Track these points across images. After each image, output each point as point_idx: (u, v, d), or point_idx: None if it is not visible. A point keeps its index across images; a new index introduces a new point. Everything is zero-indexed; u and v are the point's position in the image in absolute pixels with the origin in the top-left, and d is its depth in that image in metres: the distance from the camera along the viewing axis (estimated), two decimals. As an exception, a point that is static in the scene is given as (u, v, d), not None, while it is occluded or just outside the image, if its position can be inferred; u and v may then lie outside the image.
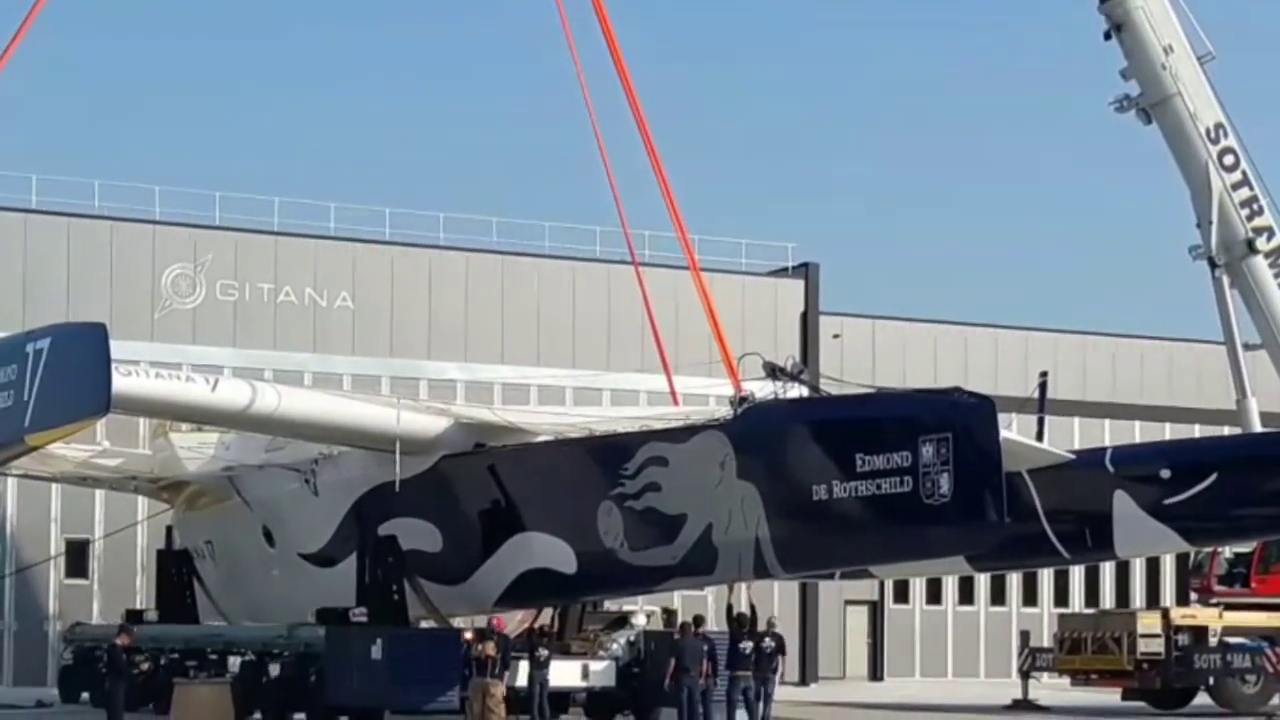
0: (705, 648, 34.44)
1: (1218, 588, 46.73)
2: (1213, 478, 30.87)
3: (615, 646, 37.25)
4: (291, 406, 34.06)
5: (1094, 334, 66.41)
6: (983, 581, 62.36)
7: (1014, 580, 63.05)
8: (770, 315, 58.57)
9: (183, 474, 42.77)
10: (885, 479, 27.82)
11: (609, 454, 32.64)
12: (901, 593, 61.89)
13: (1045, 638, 53.15)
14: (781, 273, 60.63)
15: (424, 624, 36.61)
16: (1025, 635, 50.48)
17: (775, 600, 53.56)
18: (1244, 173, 44.11)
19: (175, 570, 44.51)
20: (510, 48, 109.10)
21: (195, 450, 41.73)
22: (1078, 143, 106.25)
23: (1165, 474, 31.26)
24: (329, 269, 54.64)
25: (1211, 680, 44.09)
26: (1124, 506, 31.49)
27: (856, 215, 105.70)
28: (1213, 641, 43.78)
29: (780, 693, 36.09)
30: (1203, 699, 44.98)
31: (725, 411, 31.30)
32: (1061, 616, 50.04)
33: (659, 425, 33.27)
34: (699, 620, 35.70)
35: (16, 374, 29.10)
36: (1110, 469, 31.94)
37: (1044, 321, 65.75)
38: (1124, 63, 44.08)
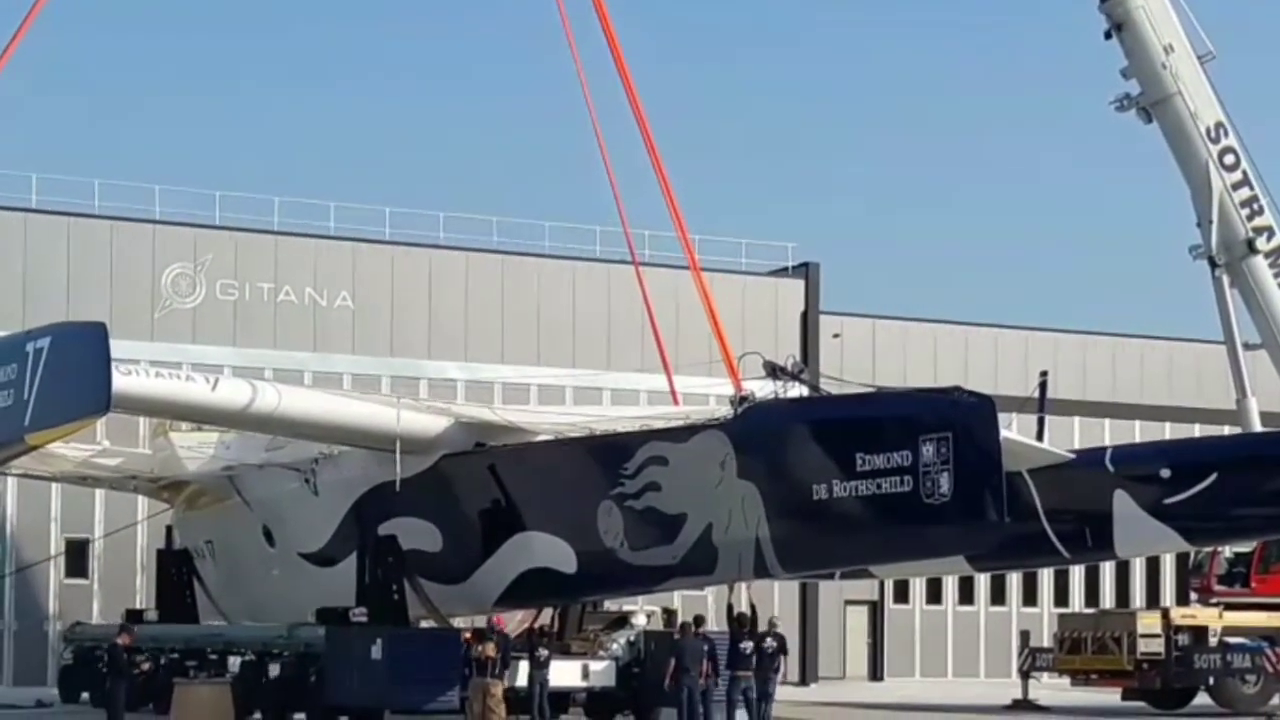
0: (705, 648, 34.43)
1: (1218, 587, 46.73)
2: (1213, 477, 30.85)
3: (615, 646, 37.24)
4: (291, 406, 34.05)
5: (1094, 334, 66.41)
6: (983, 581, 62.36)
7: (1014, 580, 63.05)
8: (770, 315, 58.58)
9: (183, 473, 42.77)
10: (885, 478, 27.82)
11: (609, 453, 32.63)
12: (901, 593, 61.89)
13: (1045, 638, 53.14)
14: (782, 272, 60.64)
15: (424, 624, 36.60)
16: (1025, 635, 50.47)
17: (775, 600, 53.58)
18: (1244, 172, 44.11)
19: (175, 570, 44.51)
20: (510, 48, 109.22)
21: (195, 450, 41.73)
22: (1078, 143, 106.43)
23: (1165, 474, 31.24)
24: (329, 268, 54.64)
25: (1211, 680, 44.09)
26: (1124, 506, 31.47)
27: (856, 215, 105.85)
28: (1213, 641, 43.78)
29: (780, 692, 36.06)
30: (1203, 699, 44.98)
31: (725, 411, 31.28)
32: (1061, 616, 50.03)
33: (659, 425, 33.26)
34: (699, 620, 35.69)
35: (16, 373, 29.11)
36: (1110, 469, 31.92)
37: (1044, 321, 65.87)
38: (1124, 62, 44.08)
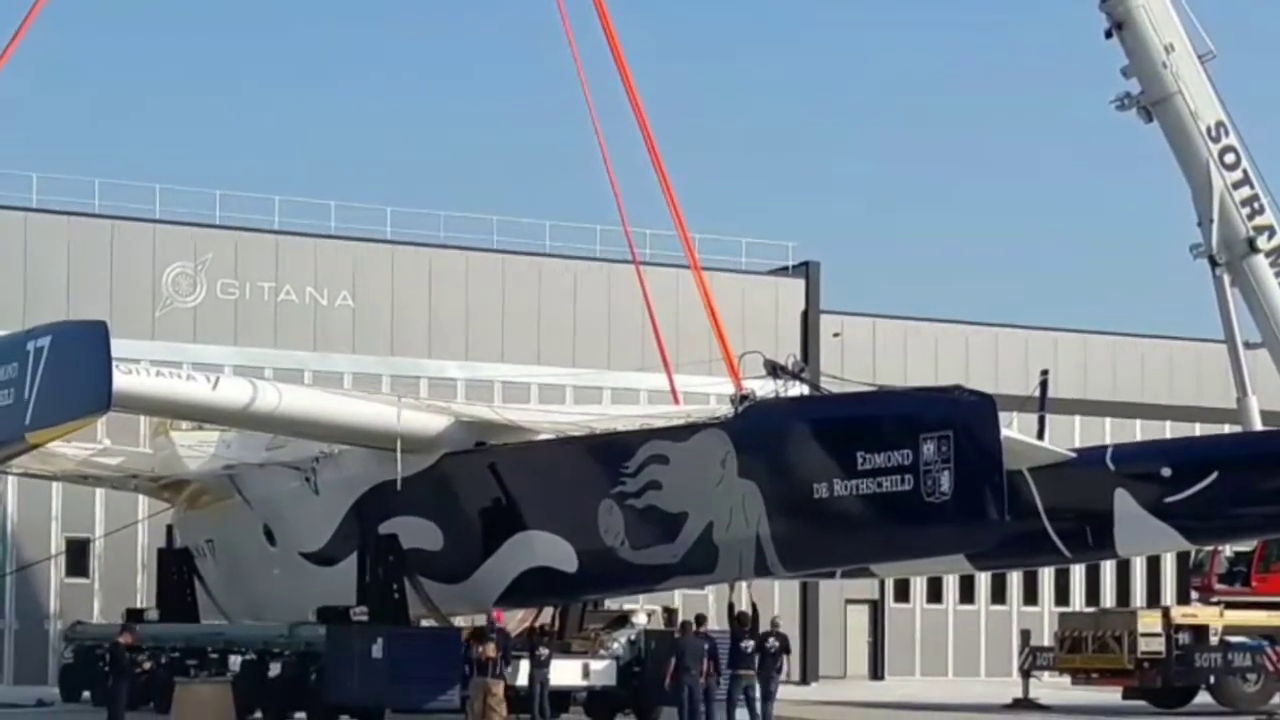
0: (706, 647, 34.43)
1: (1218, 586, 46.76)
2: (1213, 476, 30.83)
3: (616, 645, 37.24)
4: (292, 405, 34.05)
5: (1095, 333, 66.38)
6: (983, 580, 62.36)
7: (1015, 579, 63.04)
8: (771, 314, 58.57)
9: (183, 472, 42.77)
10: (886, 477, 27.82)
11: (610, 452, 32.63)
12: (902, 592, 61.87)
13: (1046, 637, 53.10)
14: (782, 271, 60.63)
15: (425, 623, 36.59)
16: (1026, 634, 50.46)
17: (776, 599, 53.57)
18: (1245, 171, 44.09)
19: (176, 569, 44.50)
20: (510, 48, 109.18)
21: (196, 449, 41.74)
22: (1078, 143, 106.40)
23: (1166, 472, 31.22)
24: (329, 268, 54.64)
25: (1212, 679, 44.07)
26: (1125, 505, 31.44)
27: (856, 215, 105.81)
28: (1213, 640, 43.76)
29: (781, 692, 36.06)
30: (1203, 698, 44.97)
31: (726, 410, 31.27)
32: (1062, 615, 50.01)
33: (660, 424, 33.25)
34: (701, 619, 35.70)
35: (17, 372, 29.11)
36: (1111, 467, 31.89)
37: (1044, 320, 65.84)
38: (1125, 61, 44.05)
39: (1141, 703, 45.49)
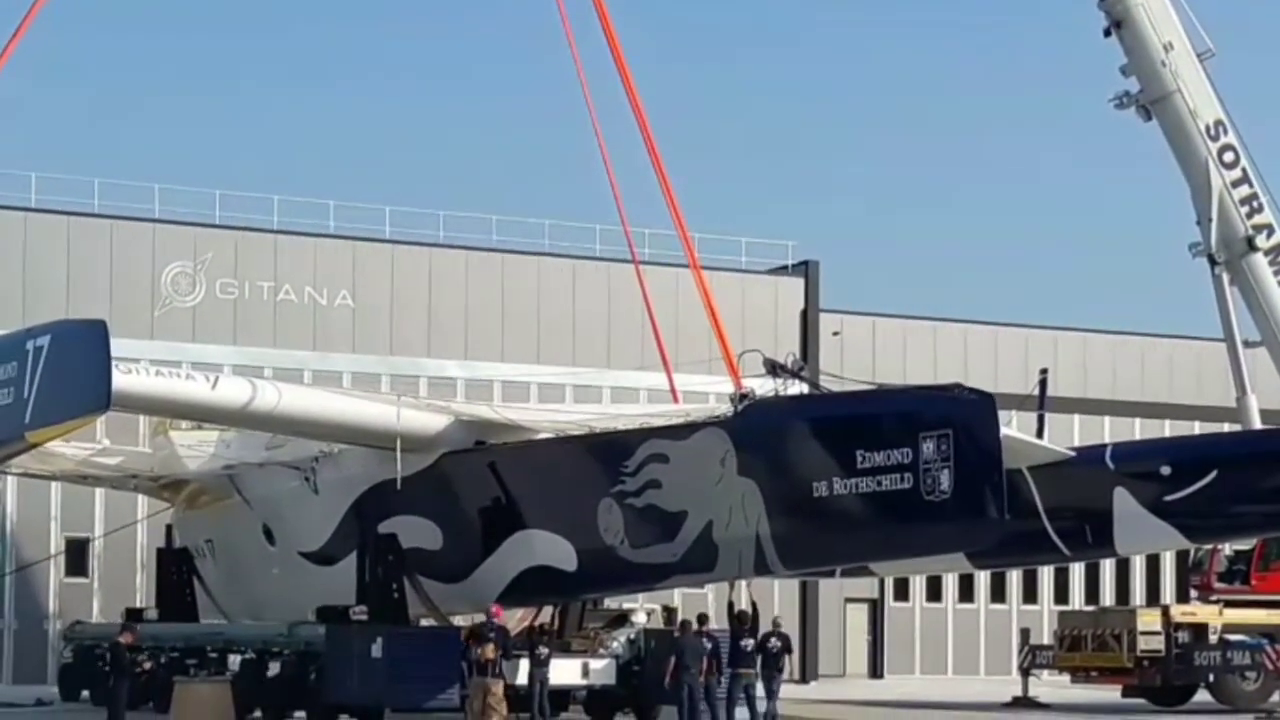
0: (709, 646, 34.44)
1: (1218, 585, 46.75)
2: (1213, 475, 30.81)
3: (615, 644, 37.21)
4: (291, 404, 34.04)
5: (1094, 331, 66.39)
6: (983, 579, 62.38)
7: (1014, 578, 63.05)
8: (770, 313, 58.58)
9: (183, 472, 42.76)
10: (885, 476, 27.82)
11: (609, 451, 32.62)
12: (902, 590, 61.87)
13: (1045, 635, 53.09)
14: (781, 271, 60.64)
15: (424, 622, 36.58)
16: (1025, 633, 50.45)
17: (776, 598, 53.60)
18: (1244, 170, 44.11)
19: (175, 569, 44.50)
20: (510, 48, 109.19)
21: (195, 448, 41.73)
22: (1078, 143, 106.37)
23: (1166, 471, 31.20)
24: (329, 267, 54.64)
25: (1211, 677, 44.05)
26: (1124, 503, 31.42)
27: (856, 214, 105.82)
28: (1213, 639, 43.78)
29: (781, 691, 36.10)
30: (1203, 696, 44.96)
31: (725, 409, 31.28)
32: (1062, 614, 50.04)
33: (659, 423, 33.24)
34: (703, 619, 35.70)
35: (16, 371, 29.10)
36: (1110, 466, 31.86)
37: (1044, 319, 65.85)
38: (1124, 59, 44.08)
39: (1141, 701, 45.49)
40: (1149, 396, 65.51)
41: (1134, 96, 44.04)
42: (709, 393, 37.77)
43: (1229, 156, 43.92)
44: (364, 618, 35.01)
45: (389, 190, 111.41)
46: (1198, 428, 60.38)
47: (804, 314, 60.18)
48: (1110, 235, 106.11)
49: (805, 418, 29.85)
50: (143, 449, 45.63)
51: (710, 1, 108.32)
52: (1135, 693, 45.44)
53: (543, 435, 34.79)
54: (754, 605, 35.53)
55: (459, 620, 36.95)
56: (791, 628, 47.67)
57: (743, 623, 34.79)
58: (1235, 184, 43.99)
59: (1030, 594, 63.76)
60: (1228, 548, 46.44)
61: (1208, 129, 43.71)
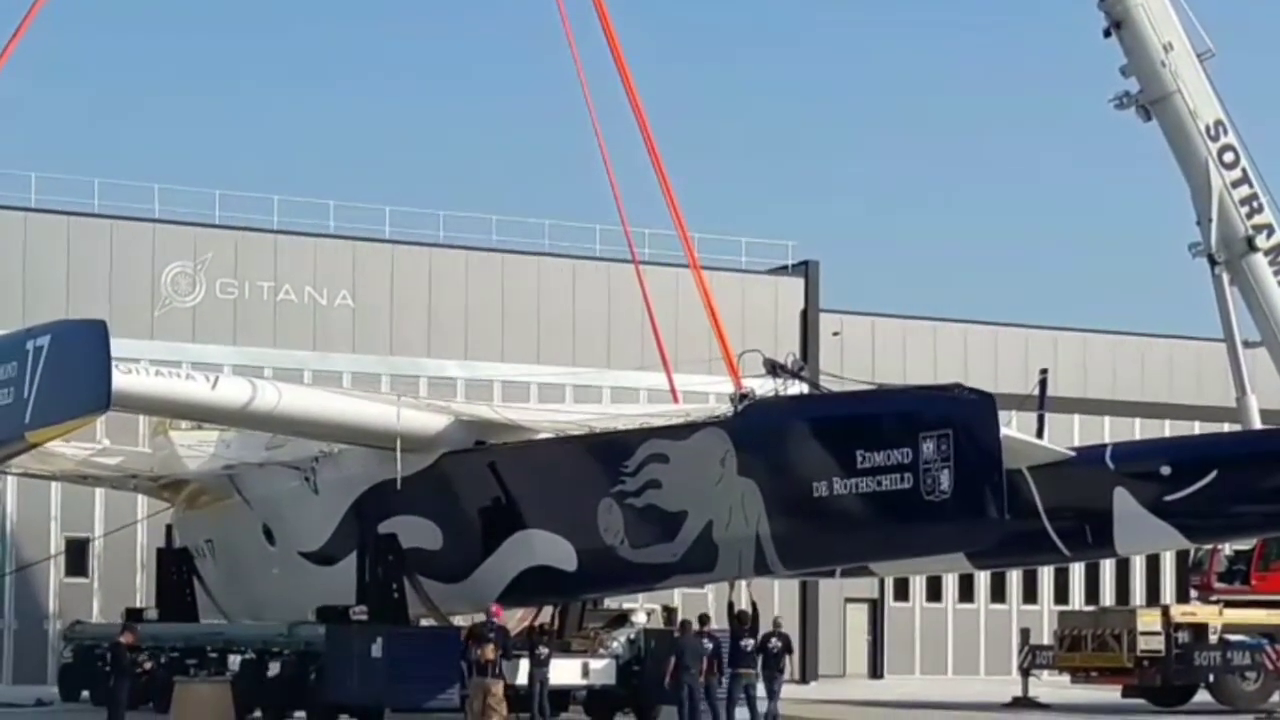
0: (709, 646, 34.43)
1: (1218, 585, 46.75)
2: (1213, 475, 30.82)
3: (615, 644, 37.20)
4: (291, 404, 34.04)
5: (1094, 331, 66.39)
6: (983, 579, 62.37)
7: (1014, 578, 63.05)
8: (770, 313, 58.58)
9: (183, 472, 42.76)
10: (885, 476, 27.82)
11: (609, 451, 32.62)
12: (902, 590, 61.87)
13: (1045, 635, 53.08)
14: (781, 270, 60.64)
15: (424, 622, 36.58)
16: (1025, 633, 50.44)
17: (775, 598, 53.59)
18: (1244, 170, 44.11)
19: (175, 569, 44.50)
20: (510, 48, 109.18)
21: (195, 448, 41.72)
22: (1078, 143, 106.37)
23: (1166, 471, 31.21)
24: (329, 267, 54.64)
25: (1211, 677, 44.05)
26: (1124, 503, 31.43)
27: (856, 214, 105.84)
28: (1213, 639, 43.77)
29: (782, 691, 36.09)
30: (1203, 696, 44.96)
31: (725, 409, 31.27)
32: (1061, 614, 50.03)
33: (659, 423, 33.24)
34: (704, 619, 35.69)
35: (16, 371, 29.08)
36: (1110, 466, 31.87)
37: (1044, 319, 65.86)
38: (1123, 60, 44.08)
39: (1141, 701, 45.48)
40: (1149, 396, 65.51)
41: (1134, 97, 44.05)
42: (709, 393, 37.75)
43: (1229, 157, 43.93)
44: (364, 618, 35.01)
45: (389, 190, 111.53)
46: (1198, 428, 60.38)
47: (804, 314, 60.18)
48: (1110, 235, 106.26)
49: (805, 418, 29.85)
50: (143, 449, 45.64)
51: (710, 1, 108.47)
52: (1135, 693, 45.43)
53: (543, 435, 34.79)
54: (754, 605, 35.53)
55: (459, 620, 36.95)
56: (791, 628, 47.69)
57: (743, 623, 34.79)
58: (1235, 184, 43.99)
59: (1030, 594, 63.76)
60: (1228, 548, 46.44)
61: (1208, 129, 43.72)
